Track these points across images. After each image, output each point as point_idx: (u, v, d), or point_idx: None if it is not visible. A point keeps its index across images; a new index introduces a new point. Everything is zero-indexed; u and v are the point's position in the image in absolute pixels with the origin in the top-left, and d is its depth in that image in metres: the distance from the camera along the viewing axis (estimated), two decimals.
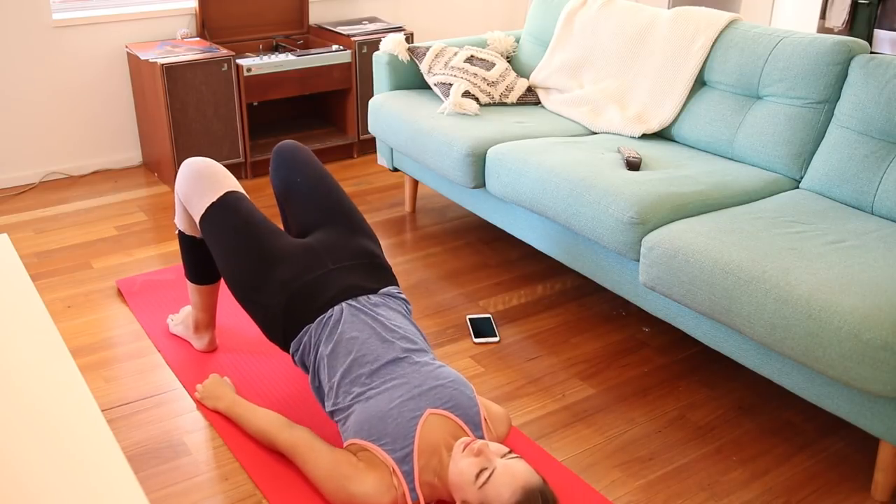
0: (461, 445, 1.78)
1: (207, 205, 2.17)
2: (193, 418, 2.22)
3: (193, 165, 2.24)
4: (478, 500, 1.70)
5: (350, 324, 1.99)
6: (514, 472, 1.68)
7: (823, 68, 2.55)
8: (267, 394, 2.30)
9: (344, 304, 2.03)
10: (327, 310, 2.03)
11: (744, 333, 2.06)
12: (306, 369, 2.05)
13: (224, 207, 2.17)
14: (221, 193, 2.19)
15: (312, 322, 2.03)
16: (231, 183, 2.24)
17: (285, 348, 2.09)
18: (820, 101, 2.57)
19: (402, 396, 1.87)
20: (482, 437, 1.90)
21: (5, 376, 1.23)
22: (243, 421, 2.12)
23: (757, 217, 2.29)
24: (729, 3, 4.37)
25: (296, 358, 2.06)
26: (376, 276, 2.14)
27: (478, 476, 1.70)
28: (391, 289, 2.13)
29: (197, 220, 2.20)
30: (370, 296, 2.08)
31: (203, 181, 2.21)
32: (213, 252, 2.18)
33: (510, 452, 1.75)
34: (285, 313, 2.04)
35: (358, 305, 2.04)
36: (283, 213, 2.38)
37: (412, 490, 1.79)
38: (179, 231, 2.35)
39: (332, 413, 1.96)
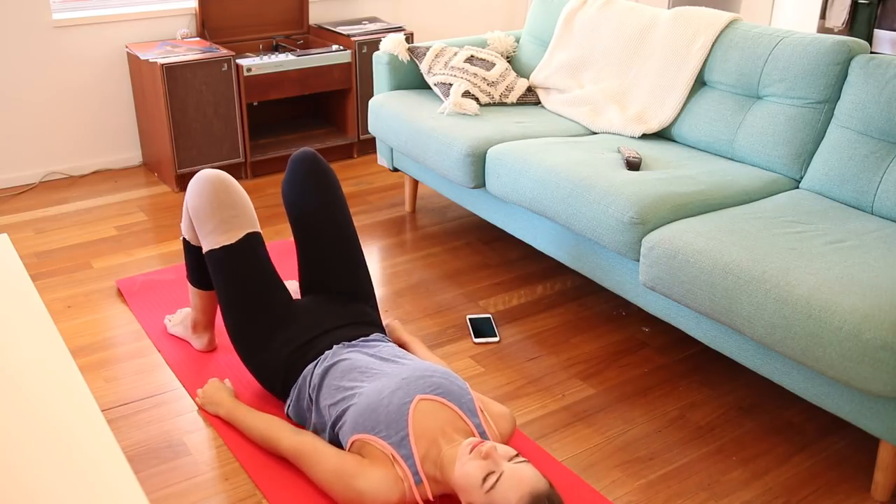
0: (468, 447, 1.76)
1: (223, 244, 2.12)
2: (193, 418, 2.21)
3: (213, 187, 2.13)
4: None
5: (342, 353, 2.07)
6: (522, 476, 1.67)
7: (823, 68, 2.55)
8: (268, 394, 2.30)
9: (336, 345, 2.12)
10: (322, 354, 2.10)
11: (744, 333, 2.06)
12: (303, 419, 2.09)
13: (241, 254, 2.12)
14: (241, 236, 2.13)
15: (307, 367, 2.10)
16: (250, 220, 2.16)
17: (284, 398, 2.16)
18: (820, 101, 2.57)
19: (391, 387, 1.89)
20: (479, 425, 1.90)
21: (5, 376, 1.23)
22: (244, 426, 2.11)
23: (757, 217, 2.29)
24: (729, 3, 4.37)
25: (291, 407, 2.12)
26: (369, 329, 2.22)
27: (485, 480, 1.69)
28: (380, 335, 2.21)
29: (205, 249, 2.16)
30: (361, 338, 2.16)
31: (222, 212, 2.13)
32: (216, 288, 2.17)
33: (517, 455, 1.74)
34: (285, 369, 2.11)
35: (350, 342, 2.13)
36: (294, 234, 2.35)
37: (415, 474, 1.79)
38: (184, 238, 2.34)
39: (333, 426, 1.98)
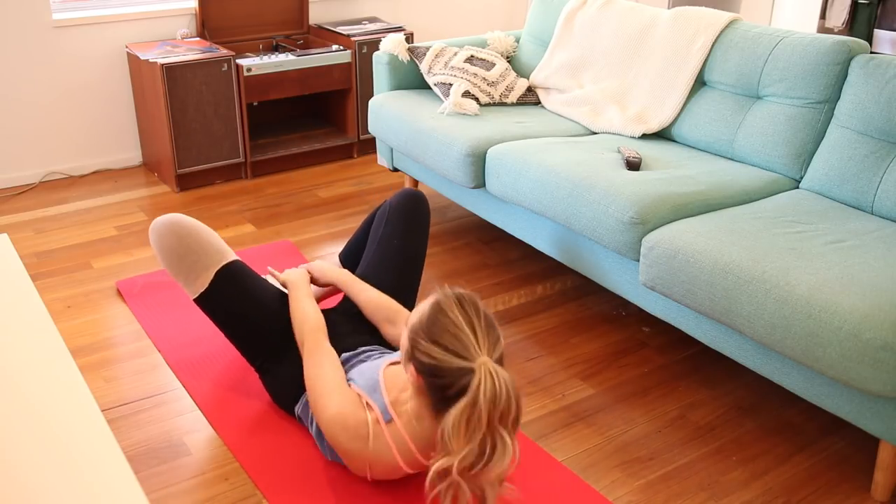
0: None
1: (199, 292, 2.12)
2: (193, 418, 2.21)
3: (166, 242, 2.11)
4: (406, 337, 1.74)
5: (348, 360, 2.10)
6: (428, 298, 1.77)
7: (823, 68, 2.55)
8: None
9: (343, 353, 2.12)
10: None
11: (744, 333, 2.06)
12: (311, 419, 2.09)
13: (218, 294, 2.12)
14: (211, 277, 2.10)
15: None
16: (214, 256, 2.11)
17: (293, 405, 2.14)
18: (820, 101, 2.57)
19: (369, 366, 1.99)
20: None
21: (5, 376, 1.23)
22: (293, 304, 2.14)
23: (757, 217, 2.29)
24: (729, 3, 4.37)
25: (300, 410, 2.11)
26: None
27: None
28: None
29: (192, 298, 2.15)
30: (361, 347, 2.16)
31: (183, 262, 2.10)
32: (218, 326, 2.18)
33: None
34: (296, 380, 2.11)
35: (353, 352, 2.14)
36: (367, 227, 2.48)
37: (385, 412, 1.82)
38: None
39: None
